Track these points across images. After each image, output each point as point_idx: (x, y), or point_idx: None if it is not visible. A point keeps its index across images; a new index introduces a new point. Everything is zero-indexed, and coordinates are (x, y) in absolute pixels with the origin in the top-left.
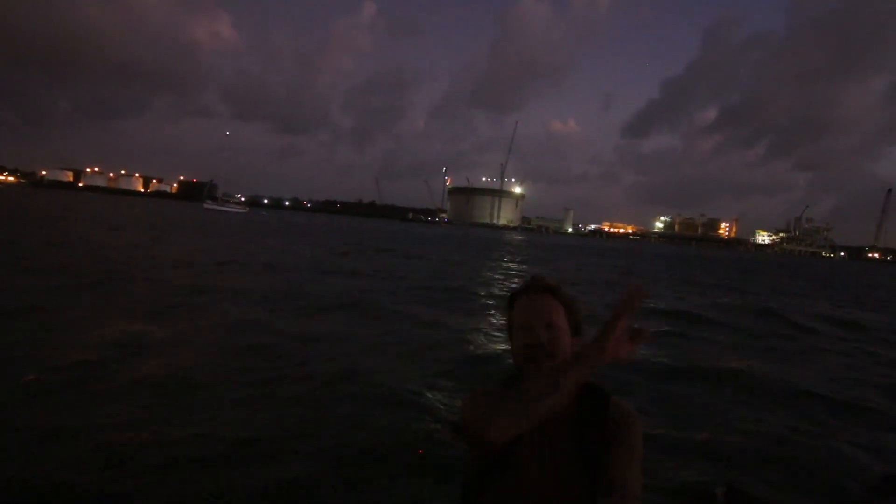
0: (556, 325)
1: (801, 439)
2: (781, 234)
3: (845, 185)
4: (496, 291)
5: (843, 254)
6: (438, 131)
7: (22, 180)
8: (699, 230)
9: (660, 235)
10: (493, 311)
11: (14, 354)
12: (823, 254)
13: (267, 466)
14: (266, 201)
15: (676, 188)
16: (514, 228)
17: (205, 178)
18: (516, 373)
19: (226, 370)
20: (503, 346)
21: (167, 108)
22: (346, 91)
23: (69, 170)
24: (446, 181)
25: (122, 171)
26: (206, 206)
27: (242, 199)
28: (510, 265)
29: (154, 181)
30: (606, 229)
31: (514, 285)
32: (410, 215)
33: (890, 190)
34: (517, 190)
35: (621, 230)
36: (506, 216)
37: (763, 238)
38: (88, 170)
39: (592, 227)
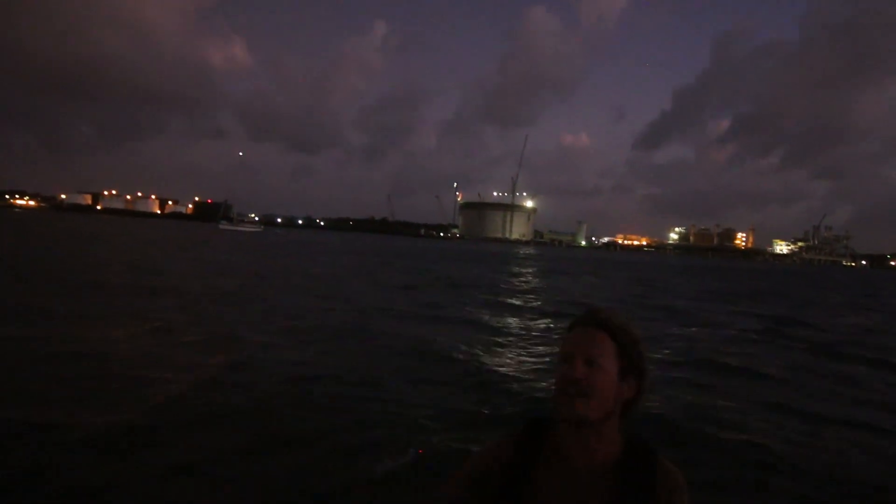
0: (598, 364)
1: None
2: (800, 244)
3: (864, 192)
4: None
5: (864, 262)
6: (450, 147)
7: (42, 204)
8: (715, 241)
9: (675, 247)
10: None
11: None
12: (844, 263)
13: None
14: (280, 220)
15: (691, 199)
16: (527, 242)
17: (219, 199)
18: (543, 418)
19: None
20: None
21: (183, 131)
22: (357, 109)
23: (88, 193)
24: (457, 196)
25: (139, 194)
26: (221, 226)
27: (256, 218)
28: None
29: (170, 202)
30: (620, 242)
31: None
32: (423, 231)
33: None
34: (529, 204)
35: (635, 242)
36: (518, 230)
37: (781, 248)
38: (106, 193)
39: (606, 239)
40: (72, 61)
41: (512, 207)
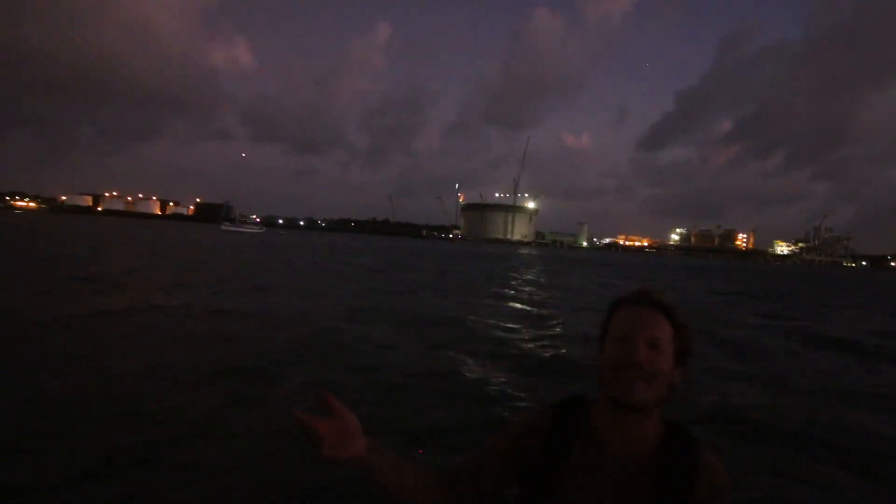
0: (660, 347)
1: None
2: (800, 245)
3: (865, 193)
4: None
5: (864, 263)
6: (453, 148)
7: (43, 206)
8: (716, 242)
9: (676, 248)
10: None
11: None
12: (844, 264)
13: None
14: (281, 221)
15: (692, 200)
16: (528, 244)
17: (221, 200)
18: (581, 397)
19: None
20: None
21: (185, 132)
22: (361, 111)
23: (88, 194)
24: (459, 197)
25: (140, 195)
26: (223, 227)
27: (258, 219)
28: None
29: (171, 204)
30: (622, 243)
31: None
32: (424, 232)
33: None
34: (531, 205)
35: (637, 243)
36: (519, 231)
37: (782, 249)
38: (107, 194)
39: (607, 240)
40: (74, 62)
41: (514, 208)
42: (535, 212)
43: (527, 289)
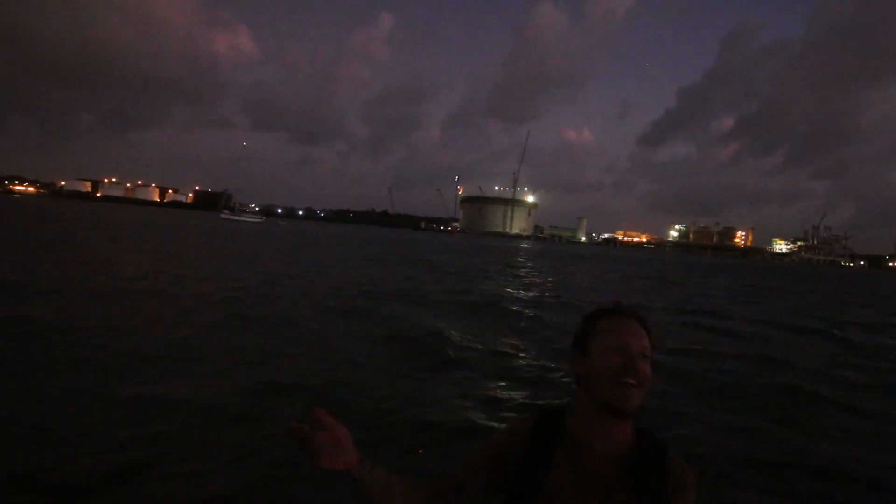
0: (648, 357)
1: None
2: (799, 243)
3: (864, 193)
4: None
5: (862, 263)
6: (453, 141)
7: (42, 191)
8: (714, 239)
9: (675, 244)
10: None
11: None
12: (843, 262)
13: None
14: (280, 210)
15: (692, 197)
16: (527, 237)
17: (220, 188)
18: (557, 405)
19: None
20: None
21: (186, 120)
22: (362, 101)
23: (87, 180)
24: (458, 190)
25: (139, 182)
26: (222, 215)
27: (257, 208)
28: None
29: (170, 191)
30: (620, 238)
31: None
32: (423, 224)
33: None
34: (530, 199)
35: (635, 239)
36: (518, 225)
37: (780, 247)
38: (106, 180)
39: (606, 235)
40: (74, 48)
41: (513, 202)
42: (534, 206)
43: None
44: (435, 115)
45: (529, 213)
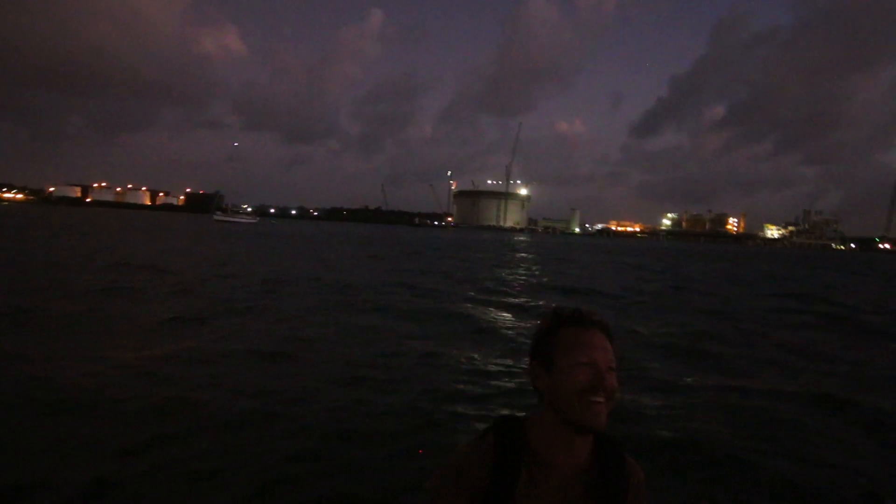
0: (615, 370)
1: None
2: (791, 228)
3: (854, 176)
4: None
5: (853, 245)
6: (446, 136)
7: (31, 197)
8: (707, 226)
9: (668, 233)
10: None
11: None
12: (834, 246)
13: None
14: (273, 210)
15: (684, 185)
16: (521, 230)
17: (211, 190)
18: (514, 417)
19: None
20: None
21: (175, 121)
22: (353, 98)
23: (77, 185)
24: (452, 185)
25: (129, 186)
26: (215, 217)
27: (249, 209)
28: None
29: (161, 194)
30: (614, 228)
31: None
32: (417, 220)
33: None
34: (523, 192)
35: (629, 229)
36: (512, 218)
37: (772, 232)
38: (96, 185)
39: (599, 226)
40: (61, 51)
41: (506, 195)
42: (528, 198)
43: None
44: (427, 111)
45: (523, 206)
